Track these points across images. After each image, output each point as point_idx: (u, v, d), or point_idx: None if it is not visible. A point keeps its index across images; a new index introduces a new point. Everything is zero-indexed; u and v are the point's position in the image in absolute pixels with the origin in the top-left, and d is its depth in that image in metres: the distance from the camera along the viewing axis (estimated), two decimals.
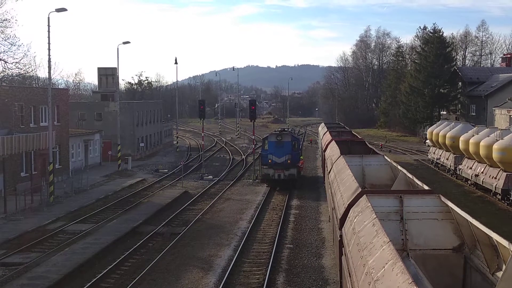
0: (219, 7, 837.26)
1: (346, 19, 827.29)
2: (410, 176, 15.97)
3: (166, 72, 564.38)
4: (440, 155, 47.43)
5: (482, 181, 34.74)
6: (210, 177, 45.59)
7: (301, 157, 41.64)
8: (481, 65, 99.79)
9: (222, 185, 41.71)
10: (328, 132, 41.71)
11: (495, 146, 31.99)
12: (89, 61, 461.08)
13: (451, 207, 10.87)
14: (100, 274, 19.68)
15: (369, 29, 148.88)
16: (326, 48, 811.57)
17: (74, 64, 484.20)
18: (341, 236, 12.92)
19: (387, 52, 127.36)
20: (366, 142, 33.65)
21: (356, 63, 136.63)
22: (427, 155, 55.06)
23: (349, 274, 9.88)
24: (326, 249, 23.27)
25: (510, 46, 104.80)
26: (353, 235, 10.63)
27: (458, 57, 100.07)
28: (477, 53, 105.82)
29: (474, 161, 37.27)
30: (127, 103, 63.93)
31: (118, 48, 48.47)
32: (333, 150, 28.12)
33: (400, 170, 17.68)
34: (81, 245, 23.65)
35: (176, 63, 71.82)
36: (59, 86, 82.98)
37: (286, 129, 43.98)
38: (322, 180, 38.46)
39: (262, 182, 40.12)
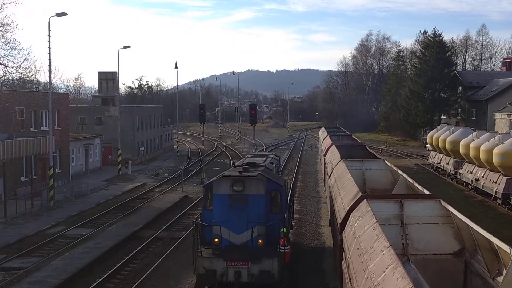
0: (218, 11, 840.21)
1: (346, 23, 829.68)
2: (411, 180, 15.98)
3: (166, 76, 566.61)
4: (441, 160, 47.41)
5: (483, 186, 34.71)
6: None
7: (283, 230, 17.10)
8: (481, 70, 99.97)
9: None
10: (328, 137, 41.71)
11: (495, 151, 31.98)
12: (89, 66, 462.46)
13: (451, 212, 10.87)
14: (100, 279, 19.64)
15: (371, 34, 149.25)
16: (325, 52, 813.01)
17: (74, 68, 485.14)
18: (341, 240, 12.91)
19: (387, 57, 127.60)
20: (367, 147, 33.66)
21: (356, 68, 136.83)
22: (427, 160, 55.02)
23: (350, 279, 9.87)
24: (326, 254, 23.22)
25: (510, 51, 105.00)
26: (353, 239, 10.62)
27: (458, 61, 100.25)
28: (477, 57, 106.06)
29: (474, 165, 37.24)
30: (128, 107, 63.96)
31: (118, 53, 48.62)
32: (333, 155, 28.13)
33: (401, 175, 17.69)
34: (81, 250, 23.63)
35: (176, 67, 71.93)
36: (60, 91, 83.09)
37: (260, 154, 26.89)
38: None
39: (201, 284, 17.89)
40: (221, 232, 17.11)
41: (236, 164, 22.60)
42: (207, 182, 20.54)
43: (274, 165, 23.62)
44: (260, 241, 17.18)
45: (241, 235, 17.25)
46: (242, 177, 17.67)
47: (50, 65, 36.44)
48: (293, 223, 25.52)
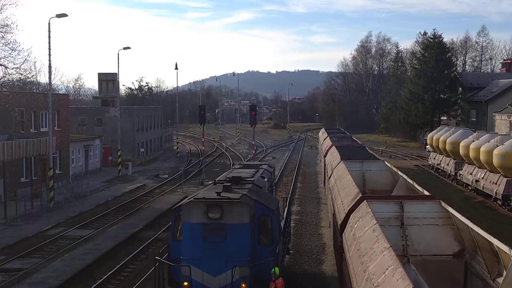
0: (218, 12, 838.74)
1: (345, 24, 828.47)
2: (411, 181, 15.99)
3: (166, 77, 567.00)
4: (441, 161, 47.40)
5: (483, 187, 34.70)
6: (210, 182, 45.45)
7: (275, 270, 13.16)
8: (481, 71, 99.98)
9: None
10: (328, 138, 41.75)
11: (495, 152, 31.98)
12: (89, 67, 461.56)
13: (451, 213, 10.87)
14: (100, 280, 19.63)
15: (370, 35, 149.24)
16: (325, 53, 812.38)
17: (74, 69, 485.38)
18: (341, 242, 12.90)
19: (387, 58, 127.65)
20: (367, 148, 33.70)
21: (356, 69, 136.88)
22: (427, 161, 55.02)
23: (350, 280, 9.86)
24: (326, 255, 23.21)
25: (510, 52, 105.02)
26: (353, 240, 10.61)
27: (458, 62, 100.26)
28: (477, 58, 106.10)
29: (474, 166, 37.23)
30: (128, 108, 63.99)
31: (118, 54, 48.60)
32: (333, 156, 28.15)
33: (401, 176, 17.70)
34: (81, 251, 23.63)
35: (176, 68, 71.92)
36: (60, 92, 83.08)
37: (250, 164, 23.98)
38: None
39: None
40: (191, 274, 13.07)
41: (217, 179, 17.78)
42: (176, 205, 16.22)
43: (266, 179, 18.95)
44: (243, 285, 13.19)
45: (218, 278, 13.25)
46: (219, 201, 13.49)
47: (50, 66, 36.50)
48: (289, 246, 21.69)
